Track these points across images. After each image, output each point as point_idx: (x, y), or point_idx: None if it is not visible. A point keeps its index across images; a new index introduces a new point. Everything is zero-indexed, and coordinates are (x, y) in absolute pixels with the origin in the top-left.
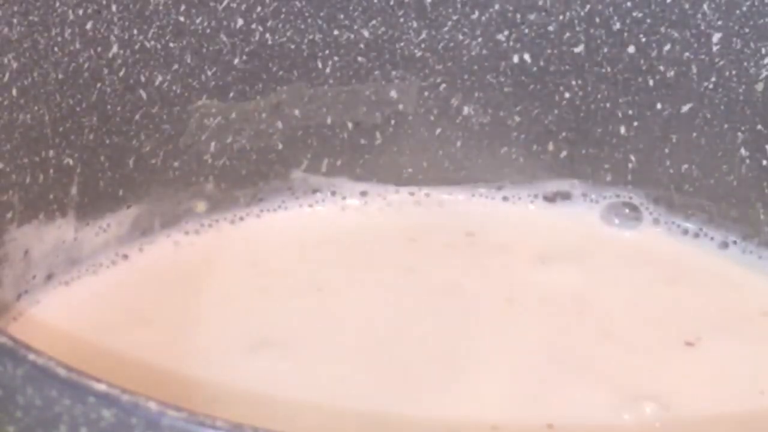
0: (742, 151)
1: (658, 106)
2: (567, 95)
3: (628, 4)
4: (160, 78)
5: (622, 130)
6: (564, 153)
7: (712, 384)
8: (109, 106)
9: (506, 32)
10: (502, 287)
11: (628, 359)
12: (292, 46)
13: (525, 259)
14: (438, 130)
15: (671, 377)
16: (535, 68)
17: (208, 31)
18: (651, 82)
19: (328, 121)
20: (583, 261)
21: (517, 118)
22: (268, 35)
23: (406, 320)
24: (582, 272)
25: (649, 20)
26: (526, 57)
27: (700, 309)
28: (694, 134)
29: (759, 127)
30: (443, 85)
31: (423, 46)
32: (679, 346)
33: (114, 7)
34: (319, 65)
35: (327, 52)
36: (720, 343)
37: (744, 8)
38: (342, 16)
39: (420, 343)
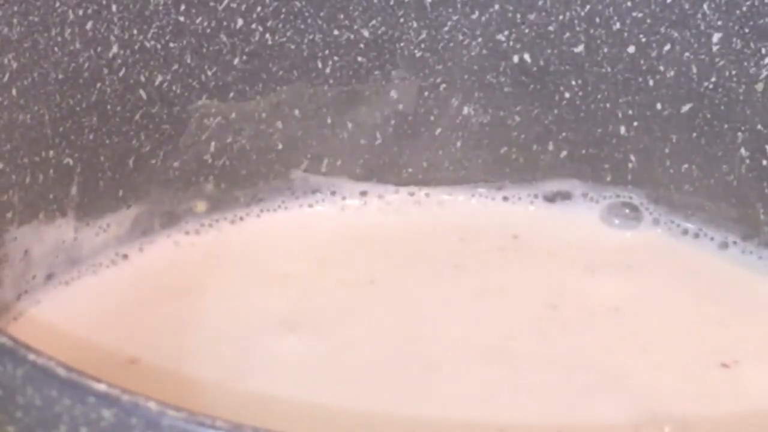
0: (742, 151)
1: (658, 106)
2: (567, 95)
3: (628, 4)
4: (160, 78)
5: (622, 130)
6: (564, 153)
7: (740, 409)
8: (109, 106)
9: (506, 32)
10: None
11: (658, 376)
12: (292, 46)
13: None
14: (438, 130)
15: (698, 398)
16: (535, 68)
17: (208, 31)
18: (651, 82)
19: (328, 121)
20: (630, 271)
21: (517, 118)
22: (268, 35)
23: (416, 322)
24: (628, 283)
25: (649, 20)
26: (526, 57)
27: (742, 329)
28: (694, 134)
29: (759, 127)
30: (443, 85)
31: (423, 46)
32: (715, 367)
33: (114, 7)
34: (319, 65)
35: (327, 52)
36: (757, 367)
37: (744, 8)
38: (342, 16)
39: (426, 345)
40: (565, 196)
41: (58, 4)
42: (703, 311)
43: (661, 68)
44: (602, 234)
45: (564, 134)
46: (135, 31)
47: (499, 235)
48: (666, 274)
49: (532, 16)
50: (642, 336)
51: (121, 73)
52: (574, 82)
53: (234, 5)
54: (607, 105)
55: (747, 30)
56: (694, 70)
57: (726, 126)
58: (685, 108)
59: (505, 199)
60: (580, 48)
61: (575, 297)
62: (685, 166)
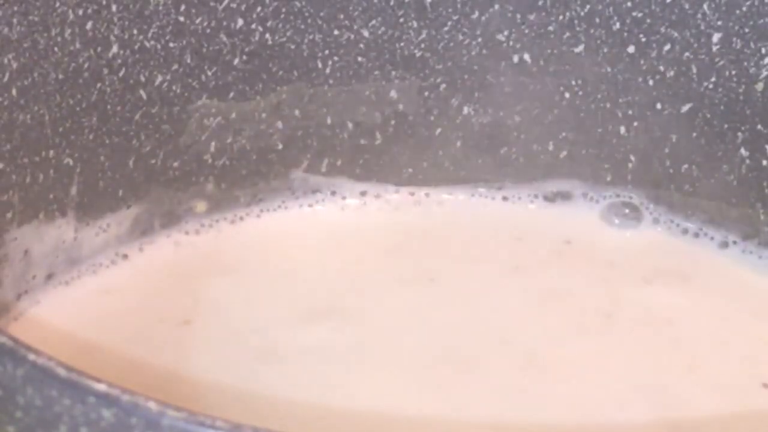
0: (742, 151)
1: (658, 106)
2: (567, 95)
3: (628, 4)
4: (160, 78)
5: (622, 130)
6: (564, 153)
7: None
8: (109, 106)
9: (506, 32)
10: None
11: (700, 395)
12: (292, 46)
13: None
14: (438, 130)
15: (731, 418)
16: (535, 68)
17: (208, 31)
18: (651, 82)
19: (328, 121)
20: (686, 282)
21: (517, 118)
22: (268, 35)
23: (419, 322)
24: (685, 294)
25: (649, 20)
26: (526, 57)
27: (745, 327)
28: (694, 134)
29: (759, 127)
30: (443, 85)
31: (423, 46)
32: (756, 387)
33: (114, 7)
34: (319, 65)
35: (327, 52)
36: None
37: (744, 8)
38: (342, 16)
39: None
40: (565, 196)
41: (58, 4)
42: (707, 314)
43: (661, 68)
44: (602, 234)
45: (564, 134)
46: (135, 31)
47: (499, 235)
48: (754, 305)
49: (532, 16)
50: (720, 371)
51: (121, 73)
52: (574, 82)
53: (234, 5)
54: (607, 105)
55: (747, 30)
56: (694, 70)
57: (726, 126)
58: (685, 108)
59: (505, 199)
60: (580, 48)
61: (574, 297)
62: (685, 166)
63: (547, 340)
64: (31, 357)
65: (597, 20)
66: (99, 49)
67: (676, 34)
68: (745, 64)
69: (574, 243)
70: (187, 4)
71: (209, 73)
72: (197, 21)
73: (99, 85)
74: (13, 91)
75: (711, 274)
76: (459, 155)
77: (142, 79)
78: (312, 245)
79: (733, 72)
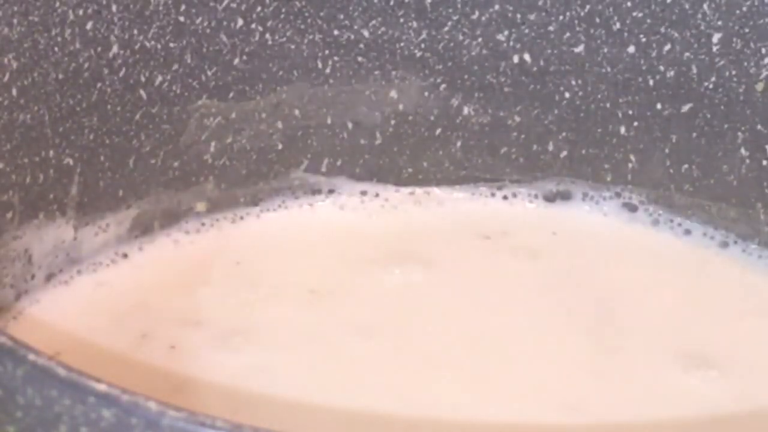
0: (742, 151)
1: (658, 106)
2: (567, 95)
3: (628, 4)
4: (160, 78)
5: (622, 130)
6: (564, 153)
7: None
8: (109, 106)
9: (506, 32)
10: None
11: (699, 395)
12: (292, 46)
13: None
14: (438, 130)
15: (732, 420)
16: (535, 68)
17: (208, 31)
18: (651, 82)
19: (328, 121)
20: (686, 282)
21: (517, 118)
22: (268, 35)
23: (418, 322)
24: (685, 294)
25: (649, 20)
26: (526, 57)
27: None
28: (694, 134)
29: (759, 127)
30: (443, 85)
31: (423, 46)
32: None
33: (114, 7)
34: (319, 65)
35: (327, 52)
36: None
37: (744, 8)
38: (342, 16)
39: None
40: (565, 196)
41: (58, 4)
42: (702, 312)
43: (661, 68)
44: (602, 234)
45: (564, 134)
46: (135, 31)
47: (499, 234)
48: (665, 273)
49: (532, 16)
50: (640, 338)
51: (121, 73)
52: (574, 82)
53: (234, 5)
54: (607, 105)
55: (747, 30)
56: (694, 70)
57: (726, 126)
58: (685, 108)
59: (505, 198)
60: (580, 48)
61: (574, 296)
62: (685, 166)
63: (546, 338)
64: (31, 357)
65: (597, 20)
66: (99, 49)
67: (676, 34)
68: (745, 64)
69: (573, 243)
70: (187, 4)
71: (209, 73)
72: (197, 21)
73: (99, 85)
74: (13, 91)
75: (711, 274)
76: (459, 155)
77: (142, 79)
78: (312, 245)
79: (733, 72)
